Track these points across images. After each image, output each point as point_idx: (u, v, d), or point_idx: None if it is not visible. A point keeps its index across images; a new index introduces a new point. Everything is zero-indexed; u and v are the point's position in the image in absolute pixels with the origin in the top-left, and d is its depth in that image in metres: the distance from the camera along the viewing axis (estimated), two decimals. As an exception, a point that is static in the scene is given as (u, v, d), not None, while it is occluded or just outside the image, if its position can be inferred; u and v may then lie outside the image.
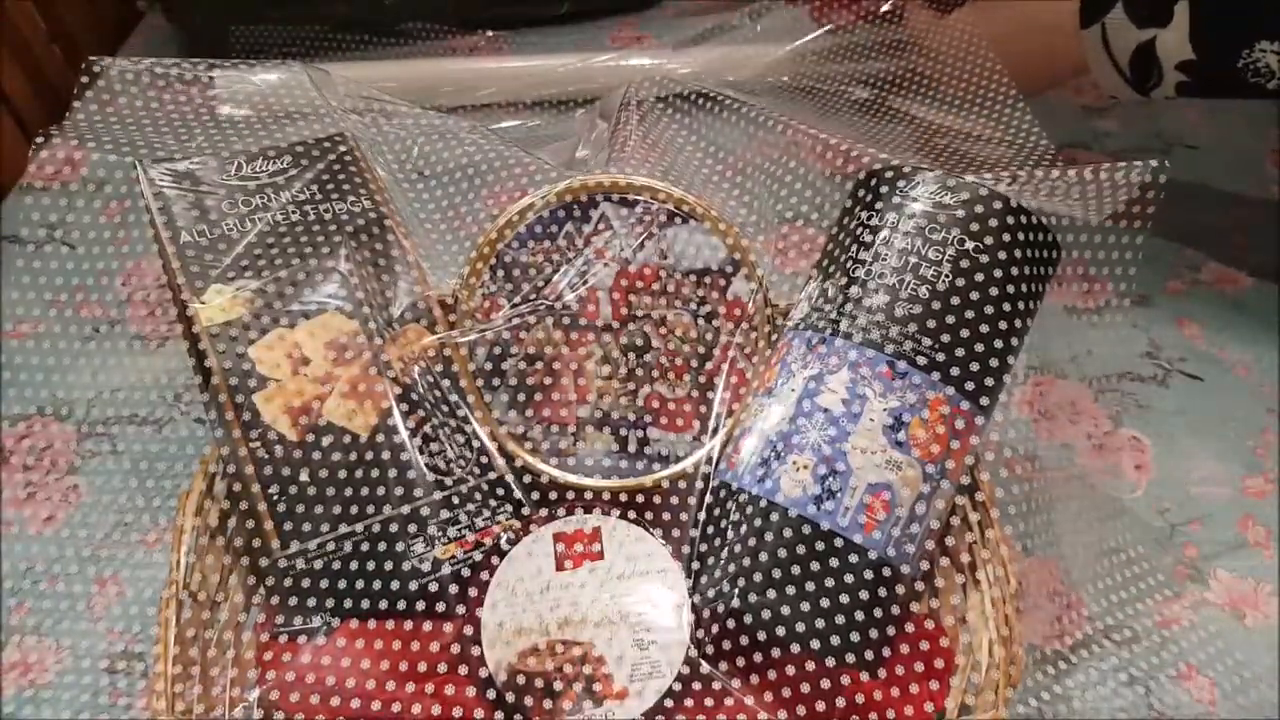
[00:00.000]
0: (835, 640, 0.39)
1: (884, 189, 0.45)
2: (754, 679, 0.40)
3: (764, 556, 0.40)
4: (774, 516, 0.41)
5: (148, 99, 0.51)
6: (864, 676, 0.39)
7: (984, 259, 0.42)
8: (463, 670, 0.41)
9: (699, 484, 0.45)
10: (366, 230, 0.48)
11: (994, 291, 0.41)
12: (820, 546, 0.40)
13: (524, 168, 0.53)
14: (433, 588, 0.42)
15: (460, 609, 0.43)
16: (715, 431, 0.47)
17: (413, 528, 0.43)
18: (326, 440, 0.43)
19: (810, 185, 0.51)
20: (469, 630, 0.42)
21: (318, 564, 0.42)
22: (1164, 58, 0.58)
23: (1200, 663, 0.48)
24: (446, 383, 0.47)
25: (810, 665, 0.39)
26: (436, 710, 0.39)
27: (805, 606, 0.39)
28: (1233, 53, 0.56)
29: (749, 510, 0.42)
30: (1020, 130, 0.55)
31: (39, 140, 0.47)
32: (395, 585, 0.42)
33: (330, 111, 0.53)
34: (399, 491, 0.43)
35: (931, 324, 0.41)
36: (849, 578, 0.40)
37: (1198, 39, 0.56)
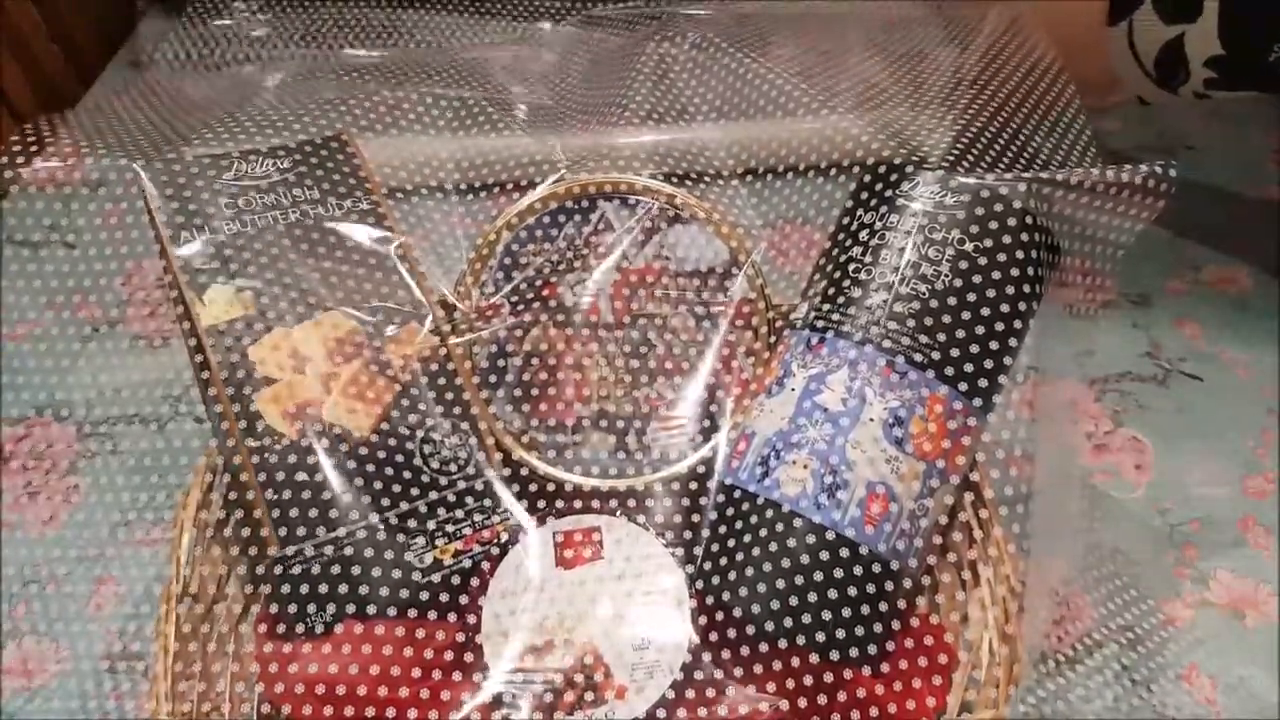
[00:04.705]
0: (836, 638, 0.39)
1: (885, 188, 0.45)
2: (755, 677, 0.40)
3: (764, 555, 0.40)
4: (774, 515, 0.41)
5: (148, 98, 0.51)
6: (866, 673, 0.39)
7: (984, 259, 0.42)
8: (462, 670, 0.41)
9: (699, 483, 0.45)
10: (366, 229, 0.48)
11: (994, 291, 0.41)
12: (820, 545, 0.40)
13: (525, 165, 0.53)
14: (432, 587, 0.42)
15: (460, 608, 0.43)
16: (715, 431, 0.47)
17: (412, 526, 0.43)
18: (326, 440, 0.43)
19: (811, 183, 0.51)
20: (469, 630, 0.42)
21: (317, 563, 0.41)
22: (1192, 54, 0.57)
23: (1200, 663, 0.48)
24: (446, 382, 0.47)
25: (812, 663, 0.39)
26: (435, 711, 0.39)
27: (806, 605, 0.39)
28: (1263, 47, 0.55)
29: (749, 509, 0.42)
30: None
31: (28, 128, 0.46)
32: (395, 585, 0.42)
33: (327, 112, 0.53)
34: (398, 490, 0.43)
35: (931, 323, 0.41)
36: (849, 576, 0.39)
37: (1227, 34, 0.55)
